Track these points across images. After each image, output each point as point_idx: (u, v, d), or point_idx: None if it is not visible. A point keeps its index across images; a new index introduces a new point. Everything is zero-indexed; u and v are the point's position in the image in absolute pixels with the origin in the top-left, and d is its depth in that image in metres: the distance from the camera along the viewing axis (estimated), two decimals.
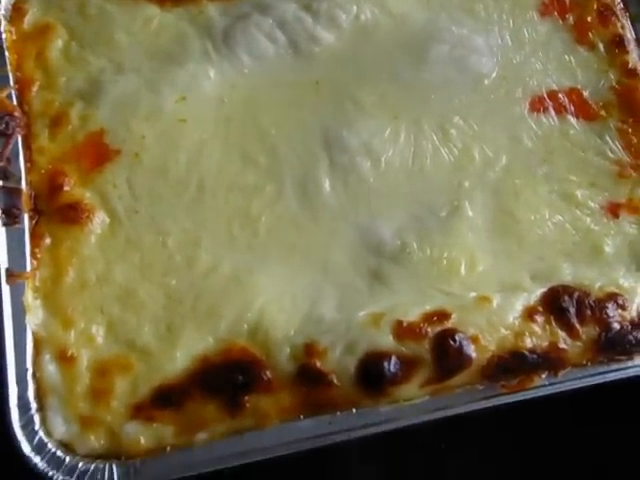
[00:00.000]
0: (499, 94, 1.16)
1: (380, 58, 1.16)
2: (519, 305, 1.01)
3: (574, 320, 1.00)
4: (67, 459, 0.92)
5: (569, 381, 0.99)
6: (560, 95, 1.16)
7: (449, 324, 0.98)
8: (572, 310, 1.00)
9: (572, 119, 1.15)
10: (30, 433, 0.92)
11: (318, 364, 0.96)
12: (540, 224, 1.08)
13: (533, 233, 1.08)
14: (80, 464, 0.92)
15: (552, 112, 1.15)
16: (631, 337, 1.00)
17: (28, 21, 1.13)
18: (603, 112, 1.16)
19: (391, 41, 1.18)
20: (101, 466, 0.92)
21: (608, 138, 1.14)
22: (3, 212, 0.99)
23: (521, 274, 1.05)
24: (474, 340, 0.97)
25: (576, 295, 1.02)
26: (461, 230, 1.06)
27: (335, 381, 0.95)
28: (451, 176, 1.10)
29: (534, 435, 1.07)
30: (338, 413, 0.95)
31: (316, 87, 1.13)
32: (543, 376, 0.98)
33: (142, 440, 0.93)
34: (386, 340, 0.97)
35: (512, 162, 1.11)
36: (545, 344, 0.99)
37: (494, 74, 1.17)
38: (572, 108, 1.15)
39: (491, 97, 1.15)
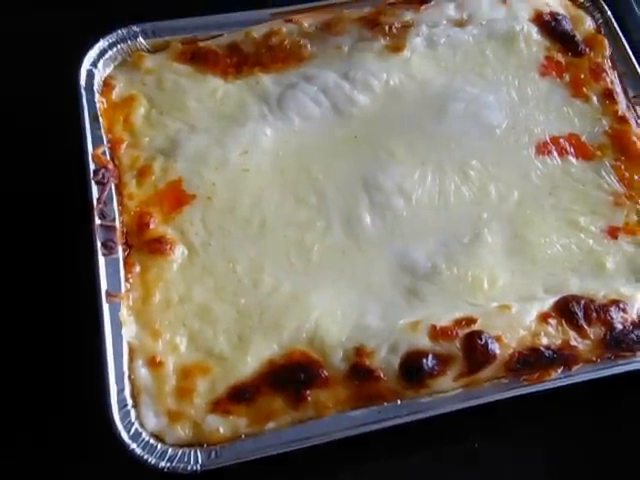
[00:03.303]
0: (509, 141, 1.35)
1: (407, 115, 1.36)
2: (534, 311, 1.17)
3: (582, 322, 1.16)
4: (159, 446, 1.07)
5: (582, 374, 1.14)
6: (561, 140, 1.35)
7: (475, 327, 1.14)
8: (580, 313, 1.16)
9: (572, 159, 1.33)
10: (127, 424, 1.07)
11: (367, 362, 1.12)
12: (550, 246, 1.25)
13: (544, 253, 1.25)
14: (170, 450, 1.07)
15: (555, 154, 1.34)
16: (633, 335, 1.16)
17: (115, 93, 1.35)
18: (599, 152, 1.34)
19: (416, 100, 1.38)
20: (187, 451, 1.07)
21: (604, 173, 1.32)
22: (102, 245, 1.19)
23: (535, 287, 1.22)
24: (497, 339, 1.13)
25: (583, 302, 1.17)
26: (482, 253, 1.24)
27: (382, 376, 1.11)
28: (471, 209, 1.28)
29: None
30: (385, 404, 1.10)
31: (355, 140, 1.33)
32: (559, 370, 1.13)
33: (221, 430, 1.08)
34: (423, 341, 1.13)
35: (523, 196, 1.30)
36: (558, 342, 1.14)
37: (504, 125, 1.36)
38: (572, 150, 1.34)
39: (502, 144, 1.34)
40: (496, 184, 1.31)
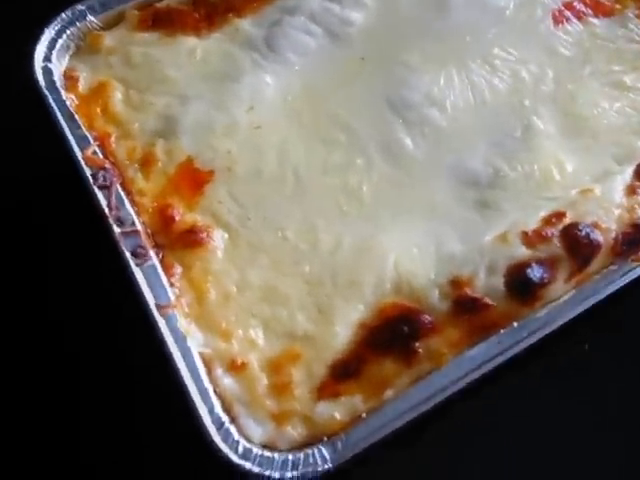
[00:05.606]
0: (522, 19, 1.25)
1: (408, 21, 1.24)
2: (619, 186, 1.08)
3: None
4: (275, 456, 0.92)
5: None
6: (575, 3, 1.25)
7: (568, 220, 1.04)
8: None
9: (593, 19, 1.24)
10: (233, 444, 0.92)
11: (469, 292, 1.00)
12: (604, 115, 1.16)
13: (601, 124, 1.15)
14: (290, 456, 0.93)
15: (573, 19, 1.24)
16: None
17: (82, 85, 1.18)
18: (618, 6, 1.25)
19: (412, 3, 1.26)
20: (310, 451, 0.92)
21: (632, 25, 1.23)
22: (132, 254, 1.02)
23: (607, 162, 1.12)
24: (595, 225, 1.03)
25: None
26: (540, 142, 1.13)
27: (490, 302, 0.99)
28: (511, 99, 1.17)
29: None
30: (502, 331, 0.98)
31: (362, 62, 1.20)
32: None
33: (337, 415, 0.94)
34: (520, 251, 1.02)
35: (558, 72, 1.20)
36: None
37: (511, 4, 1.26)
38: (589, 11, 1.24)
39: (517, 24, 1.24)
40: (526, 67, 1.20)
